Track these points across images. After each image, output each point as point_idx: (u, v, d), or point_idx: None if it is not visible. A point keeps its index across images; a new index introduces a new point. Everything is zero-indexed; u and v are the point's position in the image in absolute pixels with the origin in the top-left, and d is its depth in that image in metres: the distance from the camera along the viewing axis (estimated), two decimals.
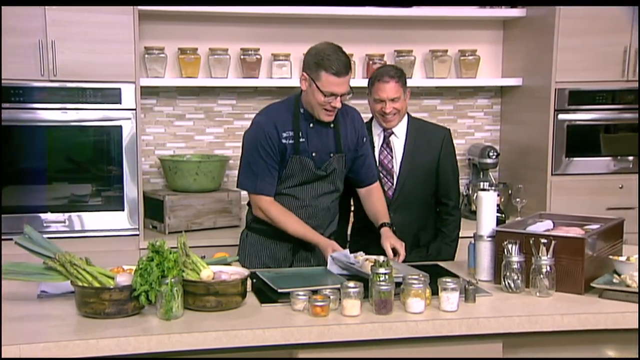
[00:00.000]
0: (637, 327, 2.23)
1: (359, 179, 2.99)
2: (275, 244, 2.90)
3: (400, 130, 3.12)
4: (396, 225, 3.00)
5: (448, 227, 3.16)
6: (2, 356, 1.88)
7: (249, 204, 2.94)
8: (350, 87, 2.74)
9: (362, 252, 2.69)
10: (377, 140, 3.13)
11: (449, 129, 3.23)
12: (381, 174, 3.09)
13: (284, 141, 2.76)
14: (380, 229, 2.87)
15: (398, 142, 3.12)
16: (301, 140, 2.77)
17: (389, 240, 2.79)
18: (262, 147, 2.76)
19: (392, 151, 3.12)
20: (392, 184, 3.11)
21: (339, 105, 2.72)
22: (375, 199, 2.98)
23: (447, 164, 3.14)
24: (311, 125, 2.80)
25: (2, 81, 3.31)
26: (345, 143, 2.87)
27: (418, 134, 3.13)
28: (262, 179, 2.78)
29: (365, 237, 3.04)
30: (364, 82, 4.03)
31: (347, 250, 2.68)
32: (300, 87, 2.79)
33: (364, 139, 2.95)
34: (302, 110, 2.79)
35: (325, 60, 2.66)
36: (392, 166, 3.11)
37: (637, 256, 2.52)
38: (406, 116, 3.15)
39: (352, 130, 2.90)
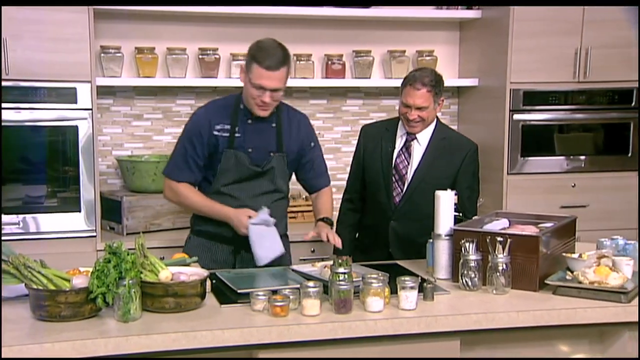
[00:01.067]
0: (588, 322, 2.29)
1: (308, 184, 3.00)
2: (216, 247, 2.88)
3: (423, 137, 3.02)
4: (398, 234, 3.01)
5: None
6: None
7: None
8: (285, 85, 2.72)
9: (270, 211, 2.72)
10: (399, 142, 3.06)
11: (476, 145, 3.12)
12: (393, 178, 3.03)
13: (216, 133, 2.78)
14: (317, 222, 2.91)
15: (418, 149, 3.02)
16: (237, 135, 2.77)
17: (317, 229, 2.81)
18: (189, 136, 2.81)
19: (410, 157, 3.03)
20: (401, 191, 3.02)
21: (267, 99, 2.68)
22: (323, 200, 2.99)
23: (463, 181, 3.02)
24: (250, 121, 2.79)
25: None
26: (288, 144, 2.85)
27: (441, 144, 3.02)
28: (178, 165, 2.84)
29: (369, 236, 3.09)
30: (323, 83, 4.10)
31: (265, 211, 2.69)
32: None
33: (312, 144, 2.93)
34: (242, 106, 2.79)
35: (258, 53, 2.65)
36: (406, 172, 3.02)
37: (589, 253, 2.58)
38: (435, 122, 3.04)
39: (297, 134, 2.88)
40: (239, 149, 2.77)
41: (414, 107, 2.92)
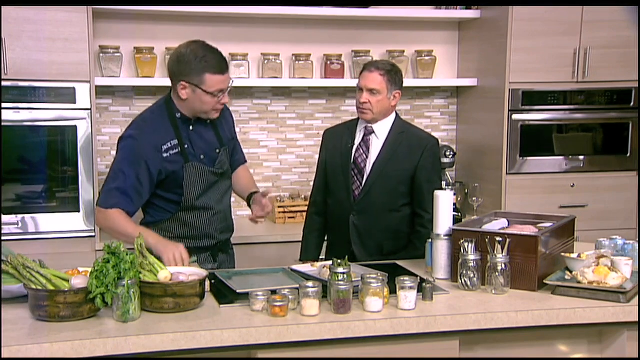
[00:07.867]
0: (587, 322, 2.29)
1: (231, 166, 2.97)
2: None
3: (381, 131, 3.00)
4: (358, 229, 3.00)
5: (420, 239, 2.91)
6: None
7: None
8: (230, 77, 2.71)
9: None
10: (358, 137, 3.04)
11: (437, 140, 3.09)
12: (352, 172, 3.01)
13: (166, 156, 2.65)
14: (249, 198, 2.94)
15: (377, 143, 3.00)
16: (186, 147, 2.70)
17: (257, 205, 2.86)
18: (129, 165, 2.61)
19: (368, 151, 3.01)
20: (360, 184, 3.00)
21: (227, 99, 2.69)
22: (241, 177, 3.02)
23: (422, 175, 2.96)
24: (191, 128, 2.73)
25: None
26: (225, 135, 2.87)
27: (400, 138, 2.99)
28: (113, 193, 2.62)
29: (333, 235, 3.12)
30: (322, 83, 4.10)
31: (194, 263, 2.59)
32: (167, 92, 2.77)
33: (233, 127, 2.98)
34: (178, 115, 2.70)
35: (203, 62, 2.58)
36: (365, 166, 3.00)
37: (588, 253, 2.58)
38: (393, 117, 3.03)
39: (226, 123, 2.90)
40: (193, 160, 2.71)
41: (366, 90, 2.94)
